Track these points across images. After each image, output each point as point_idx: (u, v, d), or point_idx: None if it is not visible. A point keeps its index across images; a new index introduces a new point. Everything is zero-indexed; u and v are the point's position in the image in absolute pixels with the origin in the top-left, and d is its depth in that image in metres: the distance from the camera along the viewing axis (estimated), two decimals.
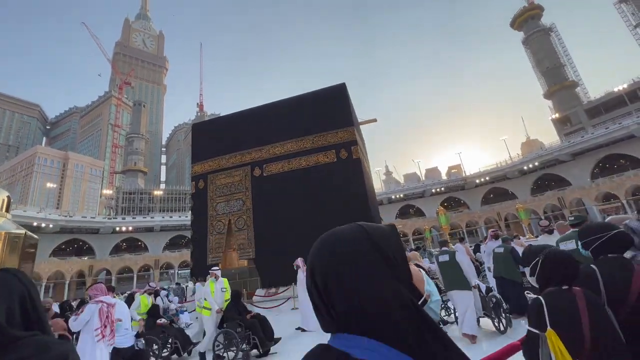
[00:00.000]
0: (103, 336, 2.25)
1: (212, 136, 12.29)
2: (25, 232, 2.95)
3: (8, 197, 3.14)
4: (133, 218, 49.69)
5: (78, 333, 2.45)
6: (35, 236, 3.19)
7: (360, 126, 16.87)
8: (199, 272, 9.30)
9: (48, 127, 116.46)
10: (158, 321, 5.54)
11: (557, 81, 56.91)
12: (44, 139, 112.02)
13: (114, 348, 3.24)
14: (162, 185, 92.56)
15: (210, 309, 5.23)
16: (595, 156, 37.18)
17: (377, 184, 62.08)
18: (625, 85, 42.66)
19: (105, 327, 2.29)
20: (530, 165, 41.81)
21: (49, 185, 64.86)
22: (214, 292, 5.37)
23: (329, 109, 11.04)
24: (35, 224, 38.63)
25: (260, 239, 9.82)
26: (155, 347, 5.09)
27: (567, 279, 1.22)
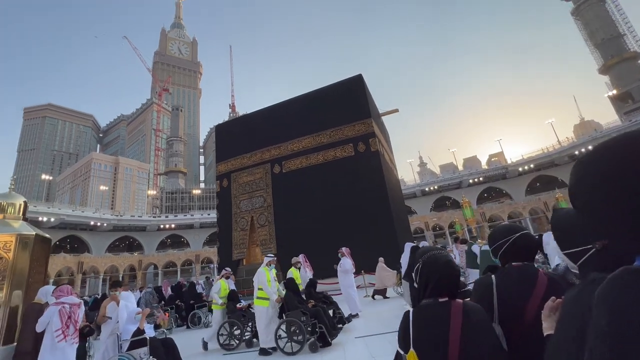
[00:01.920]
0: (65, 336, 2.39)
1: (234, 136, 12.66)
2: (36, 233, 3.20)
3: (25, 202, 3.42)
4: (175, 216, 53.23)
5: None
6: (47, 235, 3.45)
7: (385, 118, 16.34)
8: (225, 267, 9.65)
9: (101, 135, 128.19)
10: (237, 305, 5.67)
11: (615, 53, 50.55)
12: (98, 146, 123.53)
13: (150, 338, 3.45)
14: (202, 185, 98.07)
15: (266, 299, 4.76)
16: None
17: (410, 176, 59.97)
18: None
19: (68, 327, 2.43)
20: (583, 150, 37.78)
21: (102, 187, 71.53)
22: (270, 280, 4.86)
23: (346, 102, 10.83)
24: (92, 222, 42.92)
25: (281, 234, 9.95)
26: (236, 329, 5.27)
27: (443, 289, 1.00)
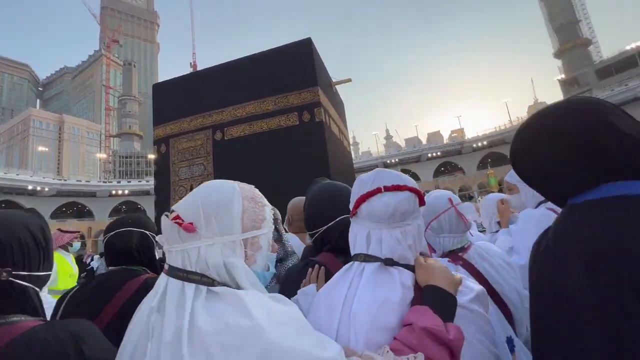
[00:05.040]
0: None
1: (173, 97, 11.61)
2: None
3: None
4: (128, 182, 50.16)
5: None
6: None
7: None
8: None
9: (40, 89, 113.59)
10: None
11: (570, 38, 53.23)
12: (38, 101, 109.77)
13: None
14: None
15: None
16: None
17: (376, 148, 61.31)
18: (639, 43, 39.78)
19: None
20: None
21: (41, 149, 64.61)
22: None
23: (293, 68, 10.21)
24: (30, 187, 39.16)
25: None
26: None
27: None
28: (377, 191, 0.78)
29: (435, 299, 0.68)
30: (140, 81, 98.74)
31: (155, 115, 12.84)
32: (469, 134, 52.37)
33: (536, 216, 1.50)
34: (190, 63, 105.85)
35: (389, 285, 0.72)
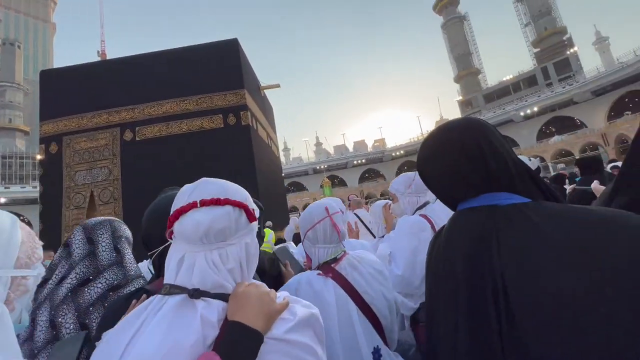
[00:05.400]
0: None
1: (68, 88, 9.93)
2: None
3: None
4: (6, 188, 40.58)
5: None
6: None
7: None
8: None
9: None
10: None
11: (465, 67, 63.61)
12: None
13: None
14: None
15: None
16: None
17: (307, 155, 62.52)
18: (511, 76, 49.97)
19: None
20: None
21: None
22: None
23: (217, 68, 9.80)
24: None
25: (131, 214, 8.55)
26: None
27: None
28: (191, 206, 0.66)
29: (233, 339, 0.57)
30: (28, 66, 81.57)
31: (42, 108, 10.82)
32: (390, 144, 57.68)
33: (409, 223, 1.65)
34: (98, 52, 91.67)
35: (185, 324, 0.59)
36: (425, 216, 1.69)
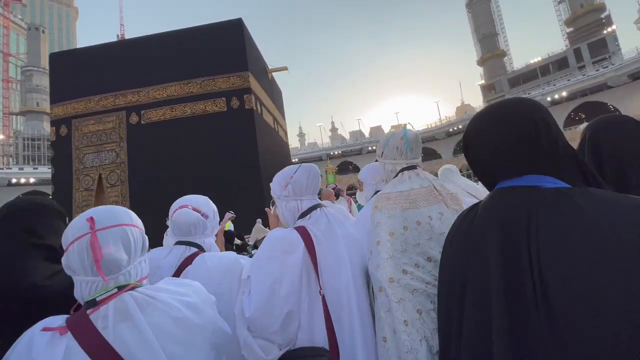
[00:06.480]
0: None
1: (78, 71, 10.03)
2: None
3: None
4: (35, 169, 42.80)
5: None
6: None
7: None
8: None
9: None
10: None
11: (490, 49, 60.04)
12: None
13: None
14: None
15: None
16: None
17: (322, 140, 62.20)
18: (539, 59, 46.79)
19: None
20: (456, 128, 45.24)
21: None
22: None
23: (222, 49, 9.59)
24: None
25: (137, 196, 8.71)
26: None
27: None
28: None
29: None
30: (53, 50, 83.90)
31: (52, 91, 11.01)
32: None
33: (273, 239, 1.19)
34: (118, 35, 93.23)
35: None
36: (304, 229, 1.17)
